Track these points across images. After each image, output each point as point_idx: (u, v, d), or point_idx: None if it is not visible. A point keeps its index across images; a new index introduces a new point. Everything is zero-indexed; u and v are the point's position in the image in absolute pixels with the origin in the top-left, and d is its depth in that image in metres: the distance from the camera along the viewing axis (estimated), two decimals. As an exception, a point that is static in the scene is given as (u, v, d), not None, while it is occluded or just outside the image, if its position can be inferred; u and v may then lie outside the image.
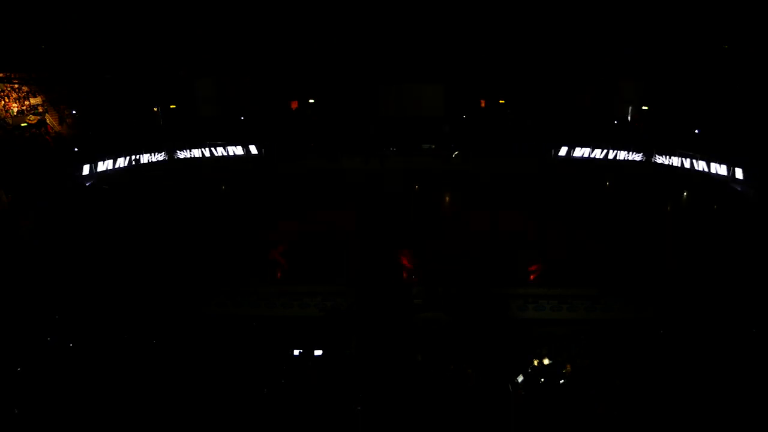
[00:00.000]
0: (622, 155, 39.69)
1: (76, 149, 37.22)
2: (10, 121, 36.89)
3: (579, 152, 40.24)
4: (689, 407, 10.39)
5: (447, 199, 35.24)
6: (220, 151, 41.20)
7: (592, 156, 40.35)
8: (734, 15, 35.74)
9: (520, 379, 13.64)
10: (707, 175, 34.82)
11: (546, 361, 14.28)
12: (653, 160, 38.76)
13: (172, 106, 42.38)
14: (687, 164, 36.33)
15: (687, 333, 17.58)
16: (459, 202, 33.99)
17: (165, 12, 38.69)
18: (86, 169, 35.76)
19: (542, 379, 13.46)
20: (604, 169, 38.41)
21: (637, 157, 39.38)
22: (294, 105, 44.11)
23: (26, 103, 38.24)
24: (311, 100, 43.63)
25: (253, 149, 41.38)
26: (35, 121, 37.42)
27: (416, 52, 41.32)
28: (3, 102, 37.49)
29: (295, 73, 43.00)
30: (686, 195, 33.29)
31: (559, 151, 40.58)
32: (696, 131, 38.09)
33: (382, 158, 40.07)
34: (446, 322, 20.56)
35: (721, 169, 34.24)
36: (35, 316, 18.12)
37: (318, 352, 15.66)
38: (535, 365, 14.08)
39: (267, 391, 12.96)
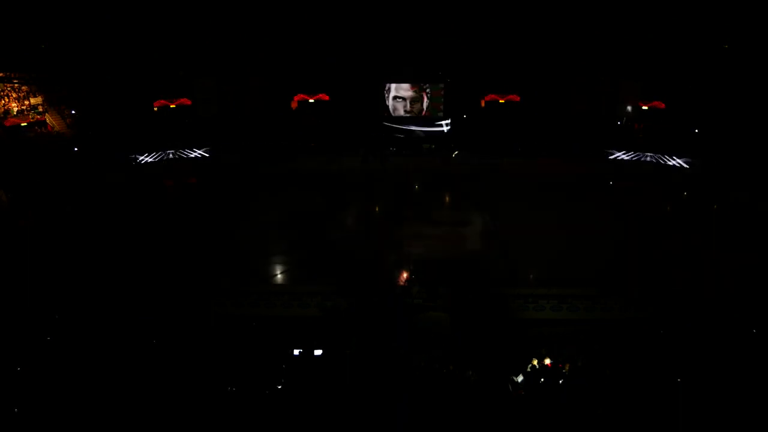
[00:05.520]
0: (622, 155, 39.78)
1: (76, 149, 37.25)
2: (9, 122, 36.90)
3: (579, 152, 40.29)
4: (689, 407, 10.39)
5: (447, 198, 35.25)
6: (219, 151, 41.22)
7: (592, 156, 40.37)
8: (734, 15, 35.79)
9: (520, 379, 13.63)
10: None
11: (546, 361, 14.28)
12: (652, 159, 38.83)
13: (171, 106, 42.40)
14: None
15: (687, 333, 17.58)
16: (459, 202, 33.97)
17: (165, 12, 38.73)
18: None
19: (542, 379, 13.45)
20: (605, 169, 38.41)
21: (636, 156, 39.45)
22: (294, 105, 44.15)
23: (26, 103, 38.27)
24: (311, 100, 43.66)
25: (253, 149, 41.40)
26: (33, 120, 37.48)
27: (416, 52, 41.35)
28: (3, 102, 37.52)
29: (295, 73, 43.03)
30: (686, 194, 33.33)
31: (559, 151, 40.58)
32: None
33: (382, 158, 40.08)
34: (447, 323, 20.56)
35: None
36: (35, 316, 18.10)
37: (318, 352, 15.65)
38: (535, 365, 14.07)
39: (268, 392, 12.97)
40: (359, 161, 39.92)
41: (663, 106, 40.67)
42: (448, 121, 42.35)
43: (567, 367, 13.92)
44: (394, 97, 43.42)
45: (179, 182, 37.65)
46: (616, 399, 11.50)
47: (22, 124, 37.11)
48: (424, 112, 43.57)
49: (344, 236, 28.00)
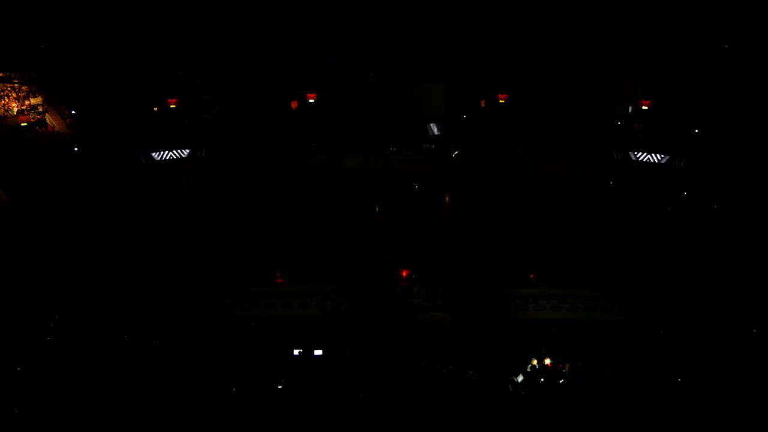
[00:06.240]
0: (622, 155, 39.74)
1: (76, 149, 37.25)
2: (8, 121, 36.89)
3: (579, 152, 40.26)
4: (689, 407, 10.39)
5: (447, 199, 35.24)
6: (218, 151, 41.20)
7: (592, 156, 40.30)
8: (734, 15, 35.77)
9: (520, 379, 13.64)
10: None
11: (546, 361, 14.29)
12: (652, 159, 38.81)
13: (171, 106, 42.37)
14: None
15: (687, 333, 17.58)
16: (459, 202, 33.98)
17: (164, 12, 38.70)
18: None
19: (542, 379, 13.46)
20: (605, 169, 38.36)
21: (637, 156, 39.40)
22: (294, 105, 44.14)
23: (26, 103, 38.26)
24: (311, 100, 43.65)
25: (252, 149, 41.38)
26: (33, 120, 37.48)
27: (416, 52, 41.33)
28: (3, 102, 37.50)
29: (295, 73, 43.00)
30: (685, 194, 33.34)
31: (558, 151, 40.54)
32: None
33: (382, 158, 40.07)
34: (447, 323, 20.58)
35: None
36: (35, 316, 18.10)
37: (318, 352, 15.67)
38: (535, 365, 14.07)
39: (267, 392, 12.99)
40: (359, 161, 39.89)
41: (661, 106, 40.63)
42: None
43: (567, 367, 13.92)
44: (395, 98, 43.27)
45: (178, 182, 37.64)
46: (616, 399, 11.50)
47: (22, 124, 37.06)
48: None
49: (344, 235, 27.96)
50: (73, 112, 39.78)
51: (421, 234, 27.99)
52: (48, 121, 38.51)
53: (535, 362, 14.14)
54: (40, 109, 38.46)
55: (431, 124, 42.09)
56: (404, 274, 23.56)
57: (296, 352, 15.92)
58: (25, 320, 17.52)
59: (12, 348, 14.86)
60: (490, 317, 20.51)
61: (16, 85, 38.50)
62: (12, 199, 31.12)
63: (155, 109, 42.08)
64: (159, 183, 36.89)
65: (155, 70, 41.06)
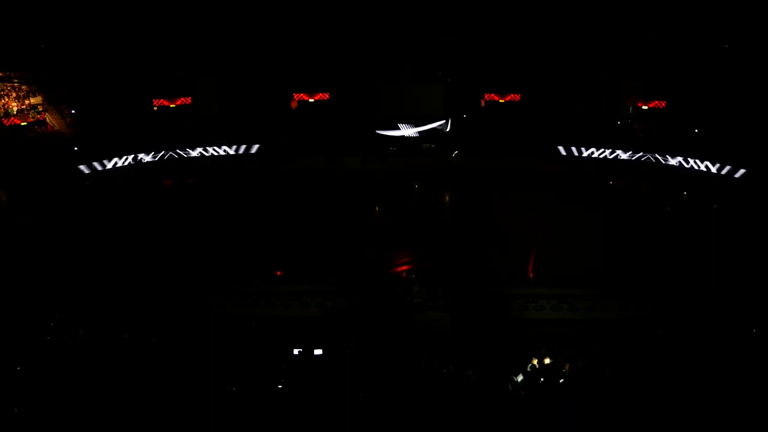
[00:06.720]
0: (622, 155, 39.76)
1: (75, 148, 37.25)
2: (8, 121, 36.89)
3: (580, 152, 40.27)
4: (689, 407, 10.39)
5: (447, 199, 35.24)
6: (219, 151, 41.22)
7: (592, 156, 40.36)
8: (734, 15, 35.79)
9: (520, 379, 13.63)
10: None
11: (546, 361, 14.28)
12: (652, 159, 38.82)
13: (171, 106, 42.39)
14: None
15: (687, 333, 17.58)
16: (459, 202, 33.98)
17: (164, 12, 38.73)
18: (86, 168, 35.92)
19: (542, 379, 13.46)
20: (605, 169, 38.37)
21: (636, 156, 39.41)
22: (294, 105, 44.17)
23: (26, 102, 38.27)
24: (311, 100, 43.69)
25: (252, 149, 41.42)
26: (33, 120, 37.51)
27: (416, 52, 41.38)
28: (3, 102, 37.51)
29: (295, 73, 43.03)
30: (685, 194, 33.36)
31: (559, 151, 40.59)
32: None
33: (382, 158, 40.07)
34: (447, 323, 20.57)
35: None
36: (35, 316, 18.10)
37: (318, 352, 15.67)
38: (535, 365, 14.07)
39: (267, 392, 12.98)
40: (359, 161, 39.89)
41: (663, 105, 40.66)
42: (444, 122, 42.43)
43: (567, 367, 13.91)
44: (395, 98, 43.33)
45: (178, 182, 37.64)
46: (616, 399, 11.49)
47: (22, 124, 37.07)
48: None
49: (344, 235, 27.97)
50: (73, 111, 39.81)
51: (421, 234, 27.97)
52: (48, 121, 38.53)
53: (535, 362, 14.13)
54: (40, 109, 38.48)
55: (408, 126, 42.17)
56: (404, 275, 23.57)
57: (296, 352, 15.91)
58: (25, 320, 17.52)
59: (12, 348, 14.85)
60: (490, 317, 20.50)
61: (16, 84, 38.51)
62: (12, 199, 31.12)
63: (155, 108, 42.13)
64: (159, 183, 36.90)
65: (155, 70, 41.09)
